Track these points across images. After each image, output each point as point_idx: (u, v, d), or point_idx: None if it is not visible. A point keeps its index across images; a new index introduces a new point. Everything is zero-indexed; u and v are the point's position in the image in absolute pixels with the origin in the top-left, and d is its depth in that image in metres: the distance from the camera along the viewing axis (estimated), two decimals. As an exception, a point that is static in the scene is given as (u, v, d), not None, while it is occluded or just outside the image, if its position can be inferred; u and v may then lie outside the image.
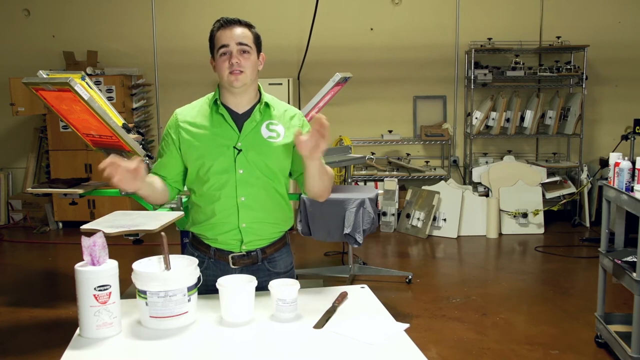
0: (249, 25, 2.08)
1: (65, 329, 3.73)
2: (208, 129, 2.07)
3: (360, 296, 2.08)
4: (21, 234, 6.62)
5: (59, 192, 4.35)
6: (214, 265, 2.11)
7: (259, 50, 2.10)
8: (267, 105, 2.11)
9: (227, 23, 2.05)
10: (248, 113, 2.09)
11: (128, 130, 3.88)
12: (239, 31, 2.04)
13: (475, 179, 6.58)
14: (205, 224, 2.12)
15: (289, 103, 7.17)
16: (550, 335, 3.79)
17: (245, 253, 2.11)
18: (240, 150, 2.04)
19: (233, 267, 2.10)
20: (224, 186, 2.06)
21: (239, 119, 2.08)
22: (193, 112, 2.12)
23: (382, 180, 6.63)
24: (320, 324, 1.82)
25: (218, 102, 2.09)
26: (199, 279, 1.86)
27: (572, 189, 6.60)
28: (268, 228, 2.13)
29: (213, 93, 2.12)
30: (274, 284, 1.88)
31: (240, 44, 2.02)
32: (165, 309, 1.78)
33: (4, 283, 5.03)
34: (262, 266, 2.13)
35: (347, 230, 4.20)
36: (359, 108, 6.94)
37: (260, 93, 2.13)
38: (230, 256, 2.10)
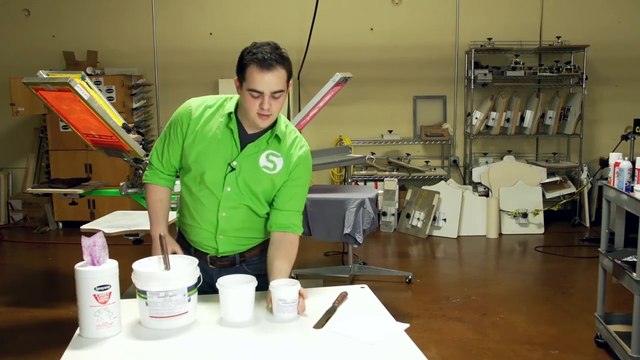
0: (285, 63, 1.93)
1: (65, 329, 3.72)
2: (214, 137, 2.04)
3: (360, 296, 2.08)
4: (21, 234, 6.62)
5: (59, 192, 4.36)
6: None
7: (289, 81, 1.99)
8: (277, 137, 2.06)
9: (264, 62, 1.88)
10: (256, 136, 2.05)
11: (128, 130, 3.88)
12: (277, 76, 1.90)
13: (475, 179, 6.58)
14: (188, 224, 2.16)
15: (288, 103, 7.12)
16: (550, 335, 3.79)
17: (222, 256, 2.14)
18: (233, 169, 2.03)
19: (211, 266, 2.13)
20: (210, 197, 2.06)
21: (245, 139, 2.05)
22: (207, 113, 2.07)
23: (382, 180, 6.63)
24: (320, 324, 1.82)
25: (232, 115, 2.03)
26: (199, 279, 1.86)
27: (572, 189, 6.60)
28: (245, 240, 2.15)
29: (232, 102, 2.05)
30: (275, 284, 1.88)
31: (275, 91, 1.92)
32: (165, 309, 1.78)
33: (4, 283, 5.03)
34: (240, 268, 2.15)
35: (347, 230, 4.20)
36: (359, 108, 6.94)
37: (276, 120, 2.06)
38: (208, 256, 2.14)
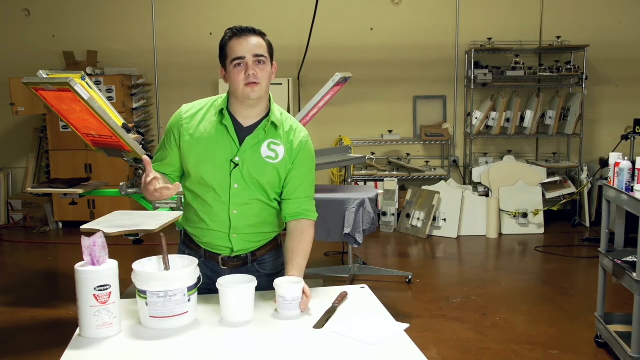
0: (262, 34, 2.03)
1: (65, 329, 3.73)
2: (210, 136, 2.03)
3: (360, 296, 2.08)
4: (21, 234, 6.62)
5: (59, 192, 4.36)
6: (204, 265, 2.10)
7: (272, 59, 2.05)
8: (273, 124, 2.07)
9: (240, 32, 1.98)
10: (253, 127, 2.05)
11: (128, 130, 3.89)
12: (254, 41, 1.98)
13: (475, 179, 6.58)
14: (198, 227, 2.13)
15: (288, 103, 7.11)
16: (550, 335, 3.79)
17: (235, 256, 2.12)
18: (237, 165, 2.03)
19: (223, 267, 2.11)
20: (218, 198, 2.05)
21: (243, 132, 2.04)
22: (199, 115, 2.07)
23: (382, 180, 6.63)
24: (320, 324, 1.82)
25: (224, 111, 2.04)
26: (199, 279, 1.86)
27: (572, 189, 6.60)
28: (258, 236, 2.14)
29: (222, 99, 2.07)
30: (278, 282, 1.89)
31: (257, 55, 1.98)
32: (165, 309, 1.78)
33: (4, 283, 5.03)
34: (252, 268, 2.13)
35: (347, 230, 4.20)
36: (359, 108, 6.94)
37: (270, 105, 2.09)
38: (220, 257, 2.12)
